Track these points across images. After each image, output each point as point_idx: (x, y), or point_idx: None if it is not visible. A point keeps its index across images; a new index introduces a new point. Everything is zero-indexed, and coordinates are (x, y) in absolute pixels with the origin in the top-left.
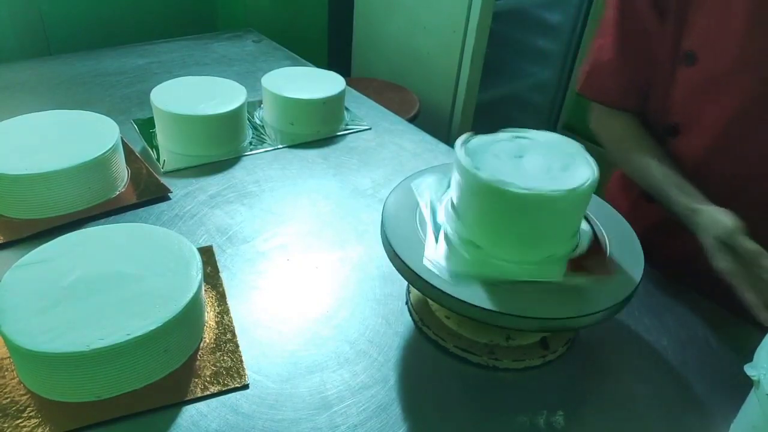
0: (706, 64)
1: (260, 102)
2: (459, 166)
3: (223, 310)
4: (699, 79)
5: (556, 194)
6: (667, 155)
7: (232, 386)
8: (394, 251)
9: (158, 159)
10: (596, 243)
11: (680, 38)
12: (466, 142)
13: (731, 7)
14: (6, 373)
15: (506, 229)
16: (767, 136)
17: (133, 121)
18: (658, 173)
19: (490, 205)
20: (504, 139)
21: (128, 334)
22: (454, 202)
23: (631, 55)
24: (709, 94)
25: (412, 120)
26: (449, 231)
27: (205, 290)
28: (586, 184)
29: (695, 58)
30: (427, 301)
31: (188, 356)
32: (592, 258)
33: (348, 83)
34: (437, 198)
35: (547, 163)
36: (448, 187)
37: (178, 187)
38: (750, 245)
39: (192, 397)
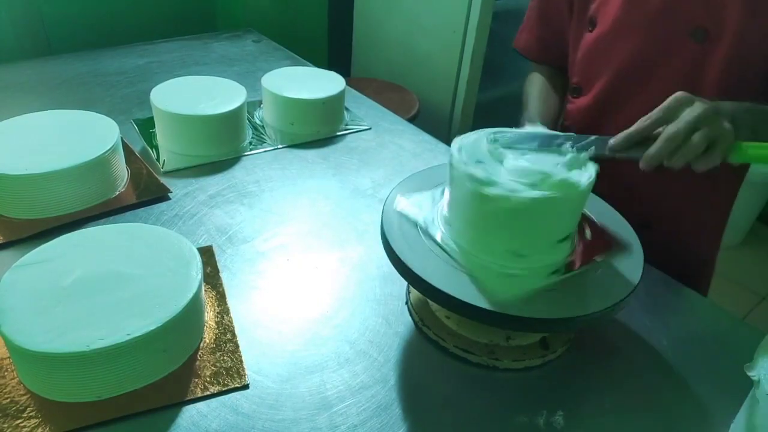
0: (600, 28)
1: (260, 102)
2: (452, 170)
3: (223, 310)
4: (594, 42)
5: (549, 197)
6: (553, 92)
7: (232, 386)
8: (393, 251)
9: (158, 159)
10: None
11: (588, 6)
12: (459, 147)
13: None
14: (6, 373)
15: (502, 235)
16: (645, 98)
17: (133, 121)
18: (533, 92)
19: (483, 210)
20: (501, 138)
21: (128, 334)
22: (446, 209)
23: (542, 18)
24: (599, 57)
25: (412, 120)
26: (444, 236)
27: (205, 290)
28: (585, 184)
29: (595, 23)
30: (427, 301)
31: (188, 356)
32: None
33: (348, 83)
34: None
35: (544, 162)
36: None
37: (178, 187)
38: None
39: (192, 397)
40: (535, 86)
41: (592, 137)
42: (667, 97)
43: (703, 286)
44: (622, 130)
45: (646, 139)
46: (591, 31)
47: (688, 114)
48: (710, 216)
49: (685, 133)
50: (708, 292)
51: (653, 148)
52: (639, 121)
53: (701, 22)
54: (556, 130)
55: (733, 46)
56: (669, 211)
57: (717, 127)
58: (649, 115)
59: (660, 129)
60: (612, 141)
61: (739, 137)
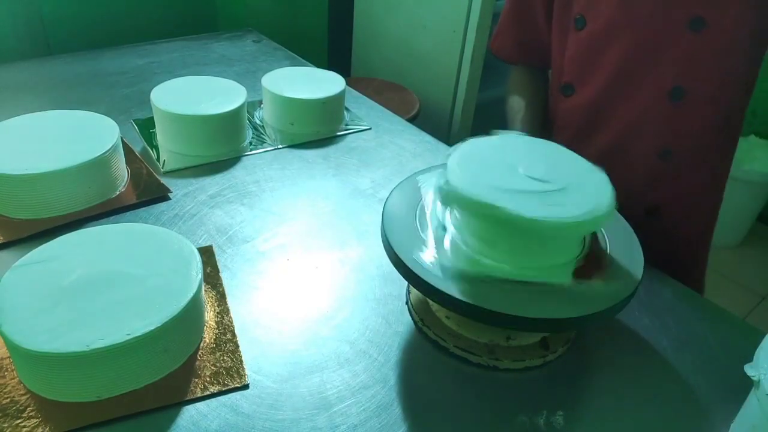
0: (592, 27)
1: (260, 102)
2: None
3: (223, 310)
4: (586, 41)
5: (572, 221)
6: (537, 95)
7: (232, 386)
8: (393, 251)
9: (158, 159)
10: (596, 247)
11: (571, 4)
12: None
13: None
14: (6, 373)
15: (510, 247)
16: (645, 93)
17: (133, 121)
18: (515, 105)
19: (495, 229)
20: (513, 147)
21: (128, 334)
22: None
23: (518, 21)
24: (593, 55)
25: (412, 120)
26: (453, 234)
27: (205, 290)
28: (605, 209)
29: (584, 21)
30: (427, 301)
31: (188, 356)
32: (593, 264)
33: (348, 83)
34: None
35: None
36: None
37: (178, 187)
38: None
39: (192, 397)
40: (518, 91)
41: None
42: (667, 91)
43: (697, 284)
44: (623, 125)
45: None
46: (580, 29)
47: None
48: (707, 200)
49: None
50: (704, 293)
51: None
52: None
53: (699, 11)
54: (547, 131)
55: (729, 37)
56: (676, 195)
57: None
58: None
59: None
60: None
61: None
